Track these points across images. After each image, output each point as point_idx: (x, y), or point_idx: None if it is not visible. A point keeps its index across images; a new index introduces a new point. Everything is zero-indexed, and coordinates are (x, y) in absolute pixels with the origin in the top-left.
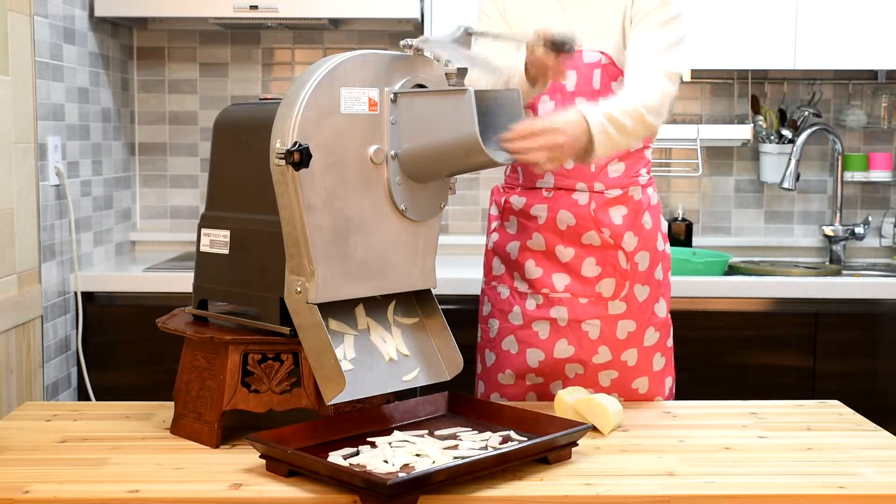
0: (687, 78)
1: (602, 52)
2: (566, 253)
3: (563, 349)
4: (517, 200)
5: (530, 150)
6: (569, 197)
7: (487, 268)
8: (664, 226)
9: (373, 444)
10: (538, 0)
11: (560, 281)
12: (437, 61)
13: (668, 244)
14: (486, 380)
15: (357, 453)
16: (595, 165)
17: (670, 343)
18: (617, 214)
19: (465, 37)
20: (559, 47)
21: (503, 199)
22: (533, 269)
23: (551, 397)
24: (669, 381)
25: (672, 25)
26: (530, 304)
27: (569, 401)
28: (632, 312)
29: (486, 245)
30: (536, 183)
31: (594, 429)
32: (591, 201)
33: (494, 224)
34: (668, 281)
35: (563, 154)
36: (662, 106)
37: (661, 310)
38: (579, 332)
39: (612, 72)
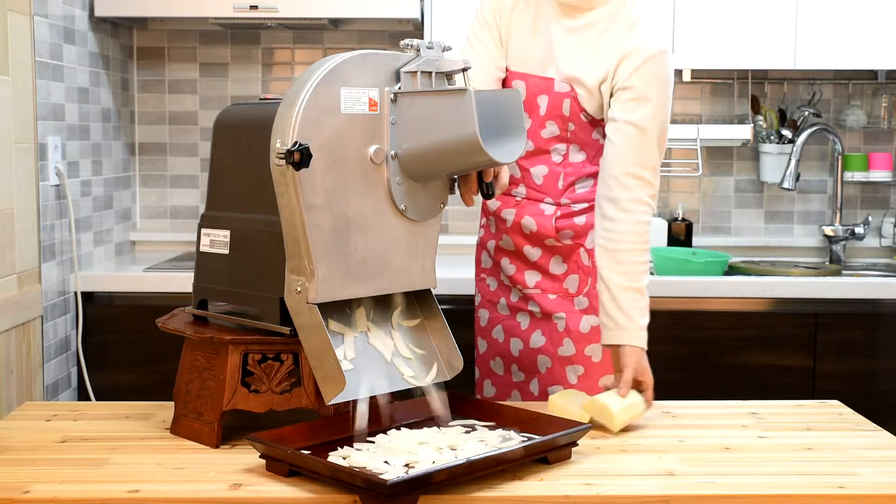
0: (687, 78)
1: (572, 86)
2: (534, 253)
3: (537, 339)
4: (492, 203)
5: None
6: (536, 206)
7: (478, 260)
8: None
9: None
10: (534, 32)
11: (531, 278)
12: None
13: None
14: (481, 366)
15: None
16: (563, 182)
17: None
18: (581, 217)
19: (461, 73)
20: (483, 186)
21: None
22: (508, 266)
23: (531, 396)
24: None
25: (654, 122)
26: (514, 296)
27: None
28: (595, 308)
29: (477, 239)
30: (511, 191)
31: (594, 428)
32: (556, 212)
33: (483, 220)
34: None
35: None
36: (647, 233)
37: None
38: (550, 324)
39: (578, 107)
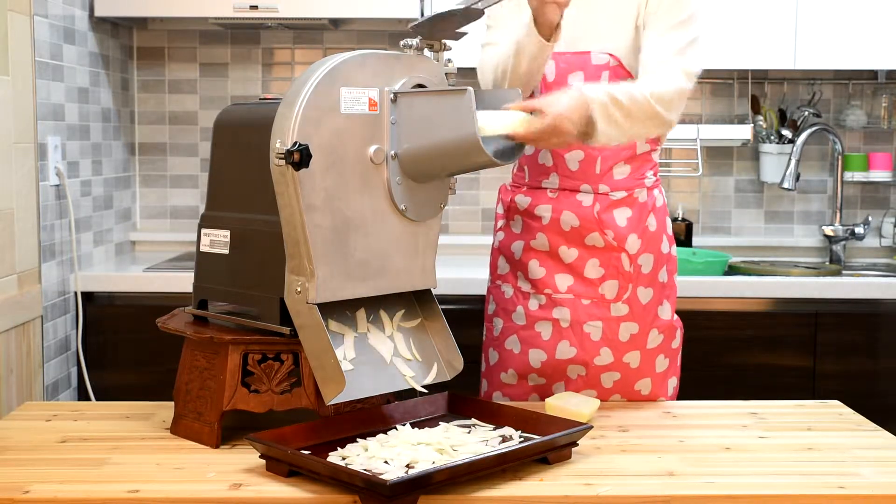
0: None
1: (611, 55)
2: (569, 254)
3: (564, 350)
4: (522, 200)
5: (539, 140)
6: (573, 198)
7: (493, 266)
8: (670, 228)
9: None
10: None
11: (563, 281)
12: (437, 61)
13: (674, 246)
14: (490, 378)
15: (357, 454)
16: (600, 167)
17: (675, 345)
18: (621, 216)
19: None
20: None
21: (509, 199)
22: (536, 269)
23: None
24: (674, 382)
25: (687, 25)
26: (533, 304)
27: (556, 404)
28: (634, 315)
29: (493, 244)
30: (542, 183)
31: (593, 428)
32: (595, 203)
33: (500, 223)
34: (674, 283)
35: (568, 140)
36: (675, 99)
37: (666, 312)
38: (581, 334)
39: (621, 74)
